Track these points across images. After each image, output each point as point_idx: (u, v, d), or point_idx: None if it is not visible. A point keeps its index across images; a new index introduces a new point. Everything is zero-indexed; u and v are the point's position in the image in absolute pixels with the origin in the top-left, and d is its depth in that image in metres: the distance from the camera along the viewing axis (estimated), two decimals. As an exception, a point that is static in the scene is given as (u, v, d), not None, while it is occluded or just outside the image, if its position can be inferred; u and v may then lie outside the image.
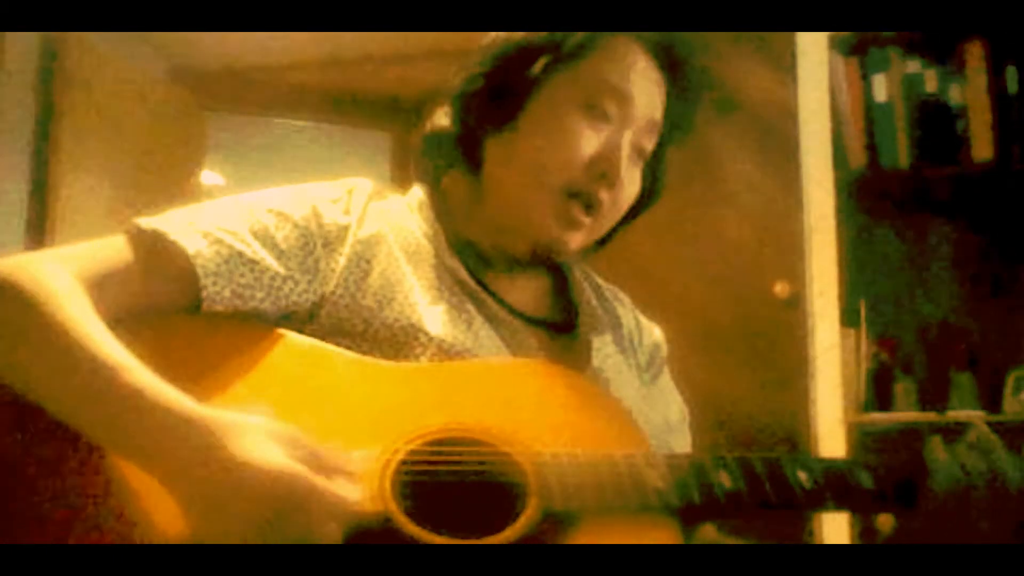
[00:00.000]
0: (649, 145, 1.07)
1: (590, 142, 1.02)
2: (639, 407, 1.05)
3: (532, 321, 1.07)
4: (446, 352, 0.96)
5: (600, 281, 1.19)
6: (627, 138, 1.04)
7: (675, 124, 1.10)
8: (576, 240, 1.05)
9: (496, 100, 1.05)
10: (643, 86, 1.05)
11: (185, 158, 3.59)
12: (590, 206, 1.03)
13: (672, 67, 1.08)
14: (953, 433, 0.94)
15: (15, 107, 2.91)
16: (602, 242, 1.12)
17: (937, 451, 0.91)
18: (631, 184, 1.06)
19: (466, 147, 1.07)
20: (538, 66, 1.04)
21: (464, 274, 1.04)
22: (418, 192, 1.11)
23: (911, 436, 2.29)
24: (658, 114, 1.07)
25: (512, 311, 1.06)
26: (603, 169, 1.02)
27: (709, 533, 1.04)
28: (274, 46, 3.53)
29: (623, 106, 1.03)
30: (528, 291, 1.10)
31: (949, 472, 0.89)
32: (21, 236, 2.88)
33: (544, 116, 1.04)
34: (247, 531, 0.74)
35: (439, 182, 1.11)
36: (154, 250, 0.93)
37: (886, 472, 0.91)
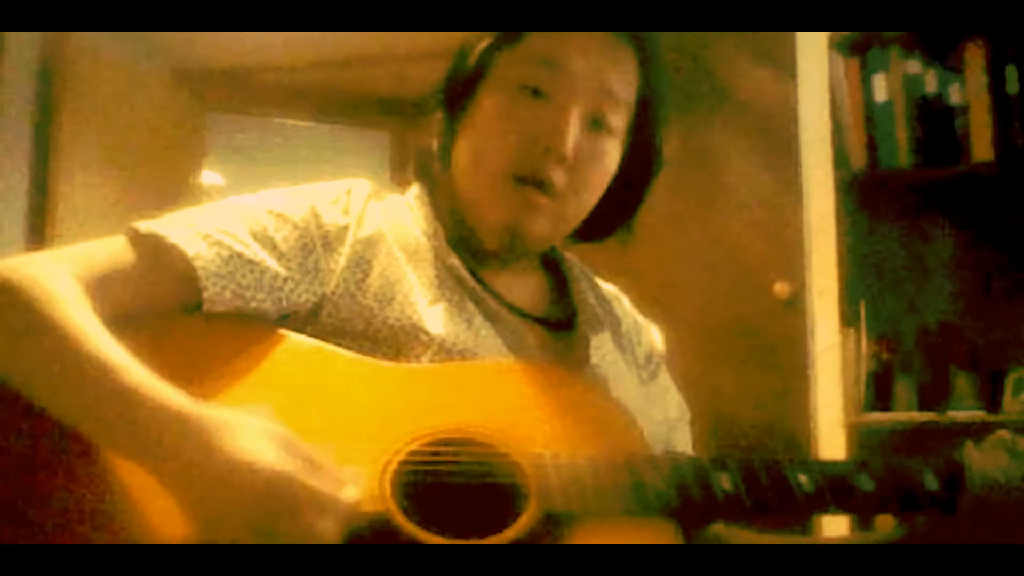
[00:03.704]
0: (613, 117, 1.04)
1: (528, 121, 1.01)
2: (638, 405, 1.05)
3: (531, 319, 1.07)
4: (447, 351, 0.96)
5: (599, 281, 1.19)
6: (575, 112, 1.01)
7: (655, 92, 1.08)
8: (540, 225, 1.03)
9: (454, 91, 1.06)
10: (587, 56, 1.03)
11: (185, 158, 3.59)
12: (543, 185, 1.01)
13: (636, 37, 1.06)
14: (953, 435, 0.94)
15: (15, 107, 2.91)
16: (625, 224, 1.12)
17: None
18: (597, 159, 1.04)
19: (443, 143, 1.08)
20: (480, 49, 1.04)
21: (463, 272, 1.04)
22: (416, 191, 1.11)
23: (911, 436, 2.29)
24: (617, 85, 1.04)
25: (512, 308, 1.06)
26: (545, 145, 1.00)
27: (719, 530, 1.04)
28: (274, 46, 3.52)
29: (560, 78, 1.02)
30: (528, 289, 1.10)
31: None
32: (21, 236, 2.88)
33: (485, 102, 1.04)
34: (243, 530, 0.74)
35: (433, 181, 1.11)
36: (153, 253, 0.93)
37: (887, 474, 0.91)
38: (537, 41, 1.03)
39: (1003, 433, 0.93)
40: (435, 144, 1.09)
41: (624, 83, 1.05)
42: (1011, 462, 0.90)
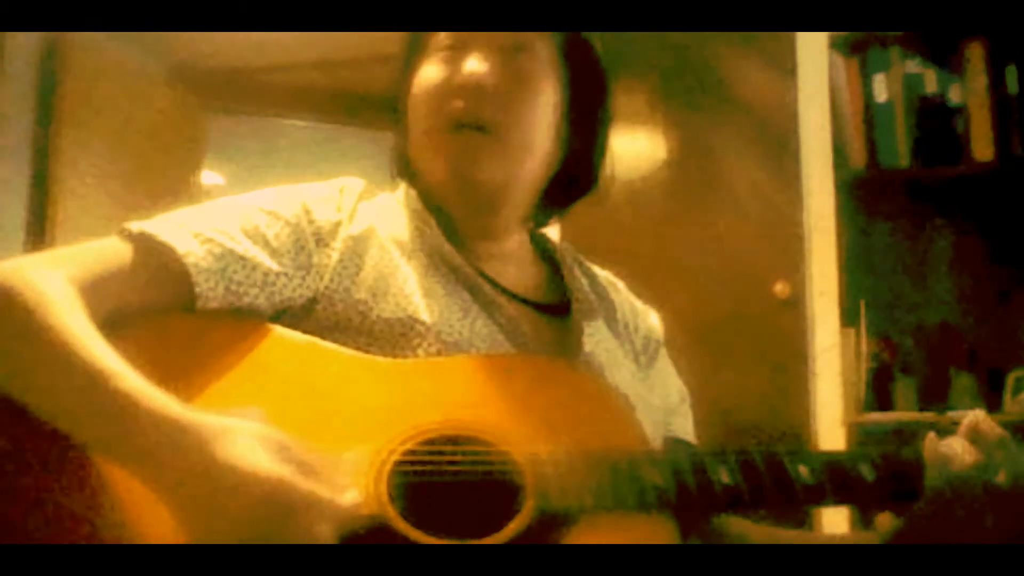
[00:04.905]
0: (536, 42, 1.04)
1: (448, 72, 1.03)
2: (636, 391, 1.05)
3: (527, 304, 1.07)
4: (443, 341, 0.96)
5: (594, 268, 1.19)
6: (487, 45, 1.03)
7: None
8: (487, 165, 1.03)
9: (399, 81, 1.10)
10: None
11: (185, 158, 3.59)
12: (477, 125, 1.01)
13: None
14: (952, 434, 0.93)
15: (15, 107, 2.91)
16: (577, 172, 1.11)
17: (931, 446, 0.90)
18: (526, 83, 1.03)
19: (402, 143, 1.11)
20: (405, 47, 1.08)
21: (458, 258, 1.04)
22: (405, 188, 1.11)
23: (911, 436, 2.29)
24: (545, 40, 1.05)
25: (507, 293, 1.06)
26: (463, 82, 1.01)
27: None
28: (274, 46, 3.52)
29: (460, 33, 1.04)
30: (522, 276, 1.10)
31: (944, 467, 0.88)
32: (21, 236, 2.88)
33: (412, 80, 1.07)
34: (236, 535, 0.74)
35: (412, 179, 1.12)
36: (145, 252, 0.92)
37: (886, 464, 0.90)
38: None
39: (971, 422, 0.90)
40: (399, 143, 1.12)
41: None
42: (976, 452, 0.88)
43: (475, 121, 1.01)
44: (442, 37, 1.05)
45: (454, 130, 1.02)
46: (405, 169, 1.12)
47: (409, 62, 1.09)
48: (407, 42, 1.10)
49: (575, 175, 1.11)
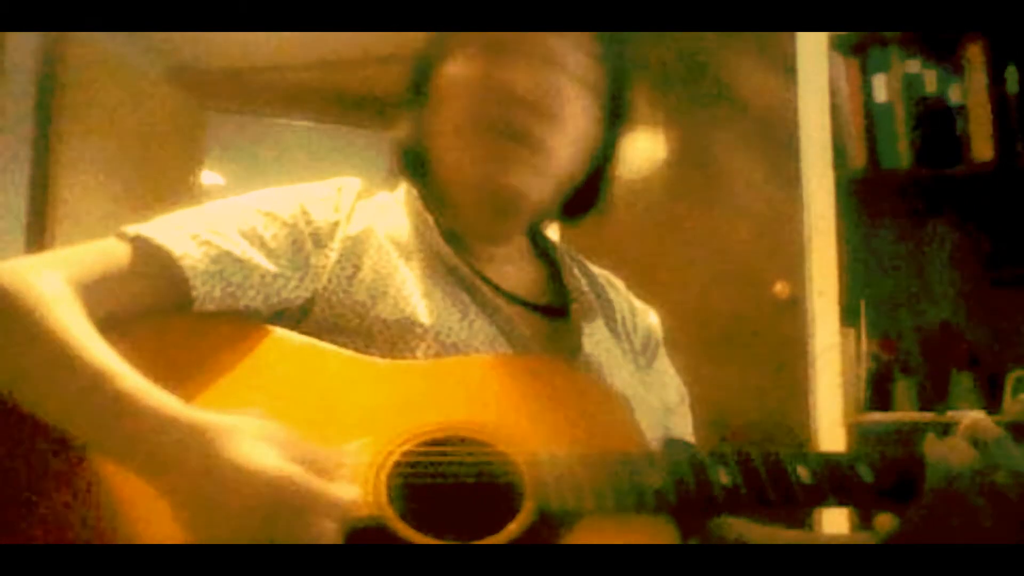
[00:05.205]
0: (588, 71, 1.03)
1: (499, 76, 1.00)
2: (635, 391, 1.05)
3: (526, 305, 1.07)
4: (441, 343, 0.96)
5: (592, 267, 1.19)
6: (547, 60, 1.01)
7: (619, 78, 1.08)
8: (522, 178, 1.01)
9: (417, 78, 1.08)
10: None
11: (185, 158, 3.59)
12: (521, 137, 1.00)
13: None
14: (949, 433, 0.92)
15: (15, 107, 2.91)
16: (586, 200, 1.10)
17: (931, 447, 0.90)
18: (577, 112, 1.03)
19: (414, 138, 1.09)
20: (437, 36, 1.06)
21: (456, 260, 1.03)
22: (405, 187, 1.11)
23: (910, 436, 2.29)
24: (586, 43, 1.04)
25: (506, 296, 1.05)
26: (519, 95, 0.99)
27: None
28: (274, 46, 3.53)
29: (527, 36, 1.01)
30: (521, 276, 1.10)
31: (944, 468, 0.88)
32: (21, 236, 2.88)
33: (449, 73, 1.04)
34: (242, 535, 0.74)
35: (418, 178, 1.11)
36: (142, 255, 0.92)
37: (886, 465, 0.90)
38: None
39: (972, 422, 0.91)
40: (410, 139, 1.10)
41: (591, 44, 1.05)
42: (975, 453, 0.88)
43: (518, 132, 1.00)
44: (475, 35, 1.03)
45: (494, 135, 1.00)
46: (411, 164, 1.11)
47: (434, 56, 1.06)
48: (432, 36, 1.08)
49: (592, 192, 1.11)
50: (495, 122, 1.00)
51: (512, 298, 1.06)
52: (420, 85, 1.08)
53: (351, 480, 0.80)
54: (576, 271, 1.14)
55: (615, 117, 1.09)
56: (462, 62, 1.03)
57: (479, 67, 1.02)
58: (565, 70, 1.02)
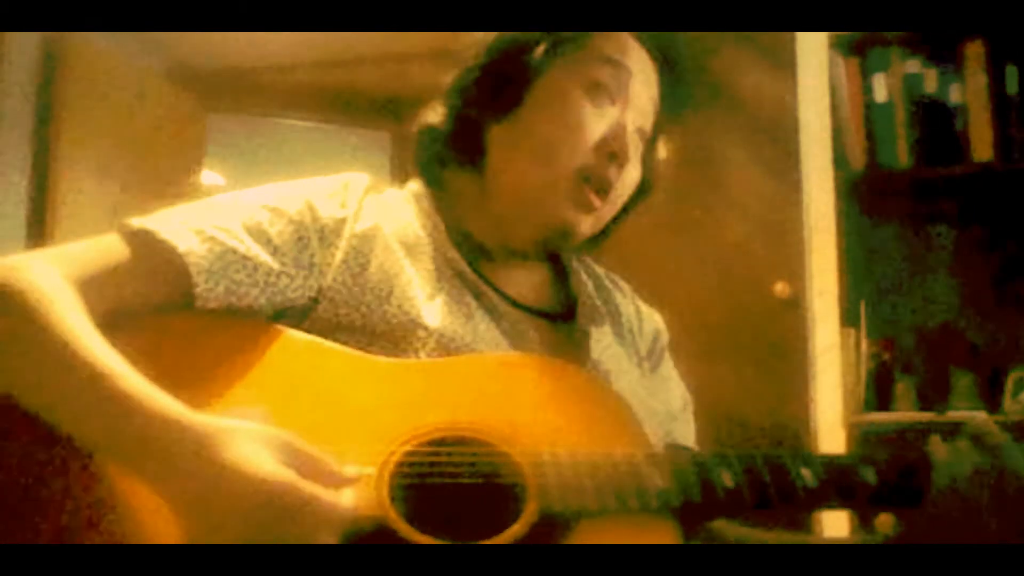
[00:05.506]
0: (648, 127, 1.08)
1: (597, 123, 1.03)
2: (640, 397, 1.05)
3: (532, 312, 1.07)
4: (445, 346, 0.96)
5: (599, 270, 1.19)
6: (630, 117, 1.04)
7: (667, 115, 1.11)
8: (587, 224, 1.05)
9: (496, 89, 1.05)
10: (639, 64, 1.06)
11: (185, 158, 3.59)
12: (601, 188, 1.03)
13: (663, 58, 1.09)
14: (953, 435, 0.92)
15: (15, 107, 2.91)
16: (598, 238, 1.11)
17: (937, 449, 0.90)
18: (634, 167, 1.07)
19: (464, 140, 1.07)
20: (538, 52, 1.04)
21: (463, 265, 1.03)
22: (415, 185, 1.11)
23: (909, 436, 2.29)
24: (655, 97, 1.08)
25: (511, 302, 1.05)
26: (612, 149, 1.02)
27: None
28: (274, 46, 3.52)
29: (623, 81, 1.04)
30: (527, 282, 1.10)
31: (950, 470, 0.88)
32: (21, 236, 2.88)
33: (549, 100, 1.04)
34: (240, 538, 0.74)
35: (436, 177, 1.10)
36: (145, 249, 0.92)
37: (889, 467, 0.90)
38: (598, 42, 1.05)
39: (976, 424, 0.91)
40: (440, 145, 1.08)
41: (654, 100, 1.09)
42: (980, 455, 0.88)
43: (604, 185, 1.03)
44: (583, 70, 1.03)
45: (583, 180, 1.02)
46: (427, 168, 1.10)
47: (522, 77, 1.04)
48: (515, 55, 1.05)
49: (609, 226, 1.12)
50: (588, 171, 1.02)
51: (519, 304, 1.06)
52: (503, 97, 1.05)
53: (351, 485, 0.79)
54: (583, 275, 1.14)
55: (650, 160, 1.12)
56: (566, 95, 1.03)
57: (583, 108, 1.03)
58: (637, 117, 1.06)
